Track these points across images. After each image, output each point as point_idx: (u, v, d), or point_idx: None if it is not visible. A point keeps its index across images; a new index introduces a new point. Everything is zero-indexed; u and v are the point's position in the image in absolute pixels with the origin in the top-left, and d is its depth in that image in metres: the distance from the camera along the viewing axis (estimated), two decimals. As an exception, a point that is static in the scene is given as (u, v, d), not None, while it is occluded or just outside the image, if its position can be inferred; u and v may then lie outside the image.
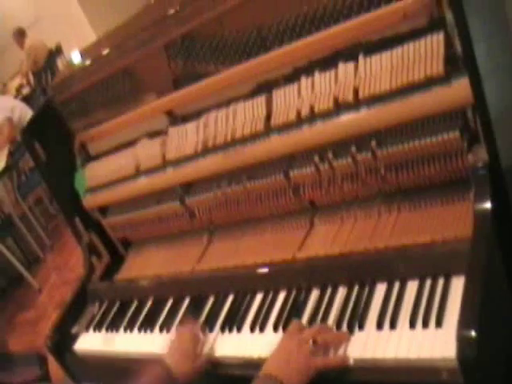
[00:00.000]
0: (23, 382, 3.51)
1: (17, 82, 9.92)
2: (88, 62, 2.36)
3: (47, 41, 8.97)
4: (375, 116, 1.66)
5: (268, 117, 1.86)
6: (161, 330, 2.06)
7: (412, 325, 1.48)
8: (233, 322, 1.87)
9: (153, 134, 2.20)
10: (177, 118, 2.13)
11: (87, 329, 2.34)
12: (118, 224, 2.45)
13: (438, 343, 1.40)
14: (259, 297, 1.90)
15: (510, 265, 1.56)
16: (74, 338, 2.34)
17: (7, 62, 10.63)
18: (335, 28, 1.70)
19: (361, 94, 1.67)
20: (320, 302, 1.73)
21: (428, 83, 1.56)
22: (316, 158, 1.80)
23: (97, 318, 2.34)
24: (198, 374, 1.77)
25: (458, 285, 1.48)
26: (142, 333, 2.12)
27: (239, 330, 1.84)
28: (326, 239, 1.87)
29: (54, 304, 5.12)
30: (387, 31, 1.64)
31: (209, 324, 1.93)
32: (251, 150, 1.90)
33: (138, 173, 2.23)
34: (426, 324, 1.46)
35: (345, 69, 1.71)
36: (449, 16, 1.50)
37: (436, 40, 1.55)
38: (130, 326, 2.18)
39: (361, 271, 1.71)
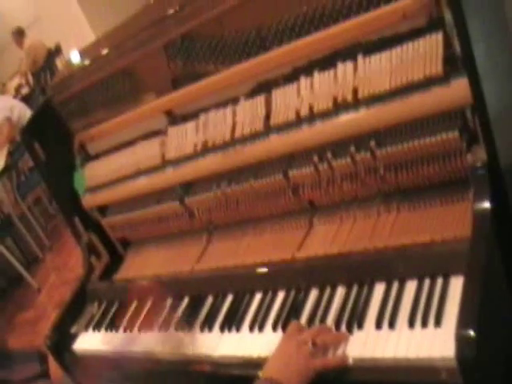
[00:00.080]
0: (23, 379, 3.51)
1: (16, 81, 9.92)
2: (87, 62, 2.36)
3: (46, 41, 8.97)
4: (374, 116, 1.66)
5: (267, 116, 1.86)
6: (160, 329, 2.06)
7: (411, 324, 1.48)
8: (232, 321, 1.87)
9: (152, 134, 2.20)
10: (176, 117, 2.13)
11: (86, 328, 2.34)
12: (118, 224, 2.45)
13: (437, 343, 1.40)
14: (258, 296, 1.90)
15: (509, 265, 1.56)
16: (73, 337, 2.34)
17: (6, 62, 10.63)
18: (334, 28, 1.70)
19: (360, 94, 1.67)
20: (319, 301, 1.73)
21: (427, 83, 1.56)
22: (315, 158, 1.80)
23: (96, 318, 2.34)
24: None
25: (456, 285, 1.48)
26: (141, 333, 2.11)
27: (238, 329, 1.84)
28: (325, 239, 1.87)
29: (53, 304, 5.13)
30: (386, 31, 1.64)
31: (208, 323, 1.93)
32: (251, 150, 1.91)
33: (137, 173, 2.23)
34: (424, 324, 1.46)
35: (344, 69, 1.71)
36: (448, 16, 1.50)
37: (435, 40, 1.55)
38: (129, 326, 2.17)
39: (360, 271, 1.71)
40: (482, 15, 1.70)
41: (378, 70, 1.65)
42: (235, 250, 2.10)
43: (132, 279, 2.37)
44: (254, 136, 1.89)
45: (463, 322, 1.31)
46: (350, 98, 1.69)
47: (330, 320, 1.66)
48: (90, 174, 2.42)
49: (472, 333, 1.28)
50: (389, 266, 1.65)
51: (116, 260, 2.54)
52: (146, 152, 2.20)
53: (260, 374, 1.53)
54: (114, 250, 2.56)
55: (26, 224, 6.07)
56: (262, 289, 1.90)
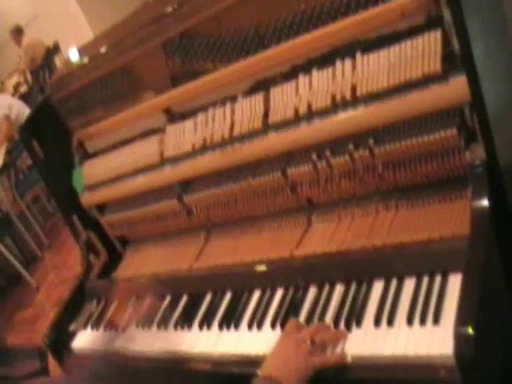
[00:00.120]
0: (23, 376, 3.52)
1: (14, 80, 9.90)
2: (86, 60, 2.36)
3: (45, 39, 8.96)
4: (373, 114, 1.66)
5: (266, 114, 1.86)
6: (158, 327, 2.06)
7: (409, 322, 1.49)
8: (230, 319, 1.88)
9: (151, 132, 2.20)
10: (175, 115, 2.13)
11: (85, 326, 2.34)
12: (116, 222, 2.45)
13: (436, 340, 1.41)
14: (257, 294, 1.90)
15: (508, 263, 1.56)
16: (72, 335, 2.34)
17: (5, 60, 10.62)
18: (333, 26, 1.70)
19: (358, 92, 1.67)
20: (317, 299, 1.73)
21: (425, 81, 1.56)
22: (314, 156, 1.80)
23: (94, 316, 2.35)
24: None
25: (455, 282, 1.48)
26: (140, 330, 2.12)
27: (237, 327, 1.84)
28: (324, 237, 1.87)
29: (51, 302, 5.13)
30: (385, 29, 1.64)
31: (206, 321, 1.93)
32: (249, 148, 1.91)
33: (135, 171, 2.23)
34: (423, 321, 1.46)
35: (342, 66, 1.71)
36: (446, 14, 1.50)
37: (433, 38, 1.55)
38: (127, 324, 2.18)
39: (358, 269, 1.71)
40: (480, 14, 1.70)
41: (376, 68, 1.65)
42: (234, 248, 2.10)
43: (131, 277, 2.36)
44: (253, 134, 1.89)
45: (461, 319, 1.31)
46: (348, 95, 1.69)
47: (329, 318, 1.66)
48: (89, 172, 2.42)
49: (470, 330, 1.28)
50: (387, 263, 1.65)
51: (115, 258, 2.54)
52: (144, 150, 2.19)
53: (258, 372, 1.53)
54: (113, 249, 2.56)
55: (24, 222, 6.07)
56: (261, 287, 1.90)
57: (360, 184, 1.80)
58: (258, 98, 1.88)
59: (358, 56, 1.68)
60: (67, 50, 2.81)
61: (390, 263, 1.64)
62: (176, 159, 2.10)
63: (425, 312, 1.48)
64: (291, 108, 1.80)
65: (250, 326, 1.81)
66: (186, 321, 2.00)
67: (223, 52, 1.93)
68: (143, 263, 2.41)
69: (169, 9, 1.98)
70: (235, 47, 1.90)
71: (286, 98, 1.82)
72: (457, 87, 1.52)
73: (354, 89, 1.68)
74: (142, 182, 2.23)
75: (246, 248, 2.06)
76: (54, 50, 8.87)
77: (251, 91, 1.92)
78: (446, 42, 1.54)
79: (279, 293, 1.85)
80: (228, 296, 1.97)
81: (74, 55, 2.51)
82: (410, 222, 1.72)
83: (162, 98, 2.12)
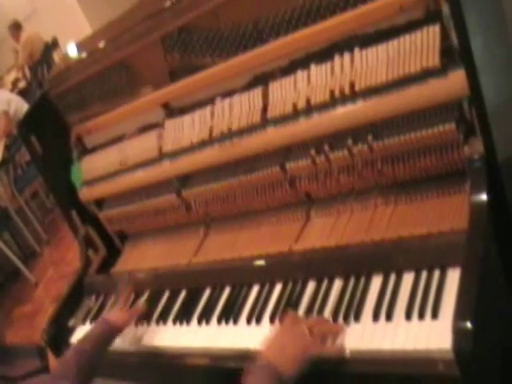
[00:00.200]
0: (24, 375, 3.52)
1: (13, 75, 9.88)
2: (84, 55, 2.35)
3: (43, 34, 8.93)
4: (371, 108, 1.66)
5: (264, 109, 1.86)
6: (157, 322, 2.06)
7: (408, 317, 1.49)
8: (229, 314, 1.88)
9: (149, 127, 2.20)
10: (173, 110, 2.13)
11: (84, 322, 2.34)
12: (115, 217, 2.45)
13: (434, 335, 1.41)
14: (256, 289, 1.90)
15: (506, 257, 1.56)
16: (71, 331, 2.34)
17: (4, 56, 10.59)
18: (331, 20, 1.70)
19: (357, 86, 1.67)
20: (316, 294, 1.73)
21: (424, 75, 1.56)
22: (312, 151, 1.80)
23: (93, 311, 2.35)
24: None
25: (453, 277, 1.49)
26: (139, 326, 2.12)
27: (236, 322, 1.85)
28: (323, 231, 1.87)
29: (50, 298, 5.12)
30: (383, 23, 1.64)
31: (205, 316, 1.93)
32: (248, 142, 1.90)
33: (134, 165, 2.23)
34: (421, 316, 1.46)
35: (341, 61, 1.71)
36: (445, 8, 1.50)
37: (432, 32, 1.55)
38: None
39: (357, 263, 1.71)
40: (479, 8, 1.70)
41: (375, 63, 1.65)
42: (232, 243, 2.10)
43: (129, 272, 2.36)
44: (251, 129, 1.89)
45: (460, 314, 1.31)
46: (347, 90, 1.69)
47: (328, 312, 1.66)
48: (87, 167, 2.42)
49: (469, 325, 1.28)
50: (386, 258, 1.65)
51: (113, 253, 2.54)
52: (143, 145, 2.19)
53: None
54: (112, 244, 2.56)
55: (23, 218, 6.06)
56: (260, 281, 1.91)
57: (359, 178, 1.80)
58: (257, 93, 1.88)
59: (357, 50, 1.68)
60: (66, 46, 2.80)
61: (388, 258, 1.64)
62: (175, 154, 2.09)
63: (423, 306, 1.48)
64: (290, 102, 1.79)
65: (248, 321, 1.81)
66: (184, 316, 2.00)
67: (222, 46, 1.93)
68: (142, 258, 2.41)
69: (167, 3, 1.98)
70: (234, 42, 1.89)
71: (284, 93, 1.82)
72: (455, 81, 1.52)
73: (352, 83, 1.68)
74: (140, 176, 2.23)
75: (245, 243, 2.06)
76: (53, 45, 8.84)
77: (250, 86, 1.92)
78: (444, 36, 1.54)
79: (278, 287, 1.85)
80: (227, 291, 1.98)
81: (72, 50, 2.51)
82: (408, 217, 1.72)
83: (161, 93, 2.12)
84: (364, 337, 1.53)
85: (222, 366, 1.81)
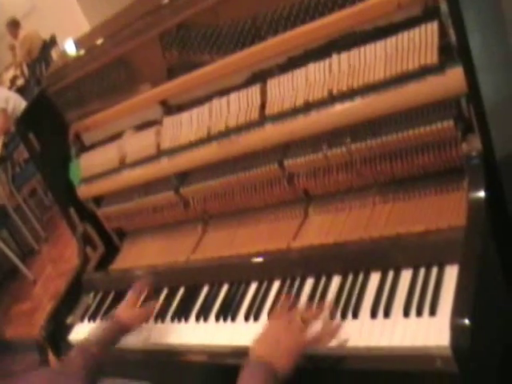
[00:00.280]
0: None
1: (11, 73, 9.88)
2: (82, 52, 2.35)
3: (42, 31, 8.93)
4: (369, 105, 1.66)
5: (262, 106, 1.86)
6: (156, 319, 2.06)
7: (406, 313, 1.49)
8: (227, 311, 1.88)
9: (147, 124, 2.20)
10: (171, 107, 2.13)
11: (82, 319, 2.34)
12: (113, 214, 2.45)
13: (432, 332, 1.41)
14: (254, 286, 1.90)
15: (505, 255, 1.57)
16: (69, 328, 2.34)
17: (2, 53, 10.58)
18: (329, 17, 1.70)
19: (355, 84, 1.67)
20: (314, 291, 1.73)
21: (422, 72, 1.56)
22: (310, 148, 1.80)
23: (92, 309, 2.35)
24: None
25: (451, 274, 1.49)
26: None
27: (233, 319, 1.85)
28: (321, 229, 1.87)
29: (48, 296, 5.12)
30: (381, 20, 1.64)
31: (203, 313, 1.93)
32: (246, 140, 1.90)
33: (132, 163, 2.23)
34: (419, 313, 1.47)
35: (339, 58, 1.71)
36: (443, 5, 1.50)
37: (430, 29, 1.55)
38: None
39: (355, 260, 1.71)
40: (477, 5, 1.70)
41: (373, 60, 1.65)
42: (230, 240, 2.10)
43: (128, 269, 2.36)
44: (250, 126, 1.89)
45: (458, 310, 1.32)
46: (345, 87, 1.69)
47: (326, 309, 1.66)
48: (86, 164, 2.41)
49: (467, 322, 1.28)
50: (384, 255, 1.65)
51: (111, 251, 2.54)
52: (141, 142, 2.19)
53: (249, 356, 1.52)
54: (110, 241, 2.56)
55: (21, 216, 6.05)
56: (258, 278, 1.91)
57: (357, 176, 1.80)
58: (255, 90, 1.88)
59: (355, 48, 1.68)
60: (64, 43, 2.80)
61: (386, 255, 1.65)
62: (173, 151, 2.09)
63: (421, 303, 1.48)
64: (288, 100, 1.80)
65: (246, 318, 1.81)
66: (182, 313, 2.00)
67: (220, 44, 1.92)
68: (140, 255, 2.41)
69: (165, 0, 1.98)
70: (232, 39, 1.89)
71: (282, 90, 1.82)
72: (453, 78, 1.52)
73: (350, 80, 1.68)
74: (138, 173, 2.23)
75: (243, 240, 2.06)
76: (51, 42, 8.84)
77: (248, 83, 1.92)
78: (442, 33, 1.54)
79: (276, 285, 1.85)
80: (225, 288, 1.98)
81: (70, 47, 2.50)
82: (406, 214, 1.72)
83: (159, 90, 2.11)
84: (362, 334, 1.53)
85: (220, 362, 1.81)
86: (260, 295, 1.85)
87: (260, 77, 1.89)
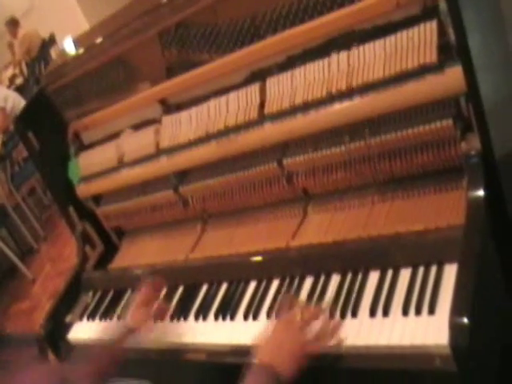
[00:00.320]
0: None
1: (10, 72, 9.86)
2: (81, 51, 2.35)
3: (41, 30, 8.92)
4: (368, 104, 1.66)
5: (262, 105, 1.86)
6: (154, 318, 2.06)
7: (405, 312, 1.49)
8: (226, 310, 1.88)
9: (146, 123, 2.20)
10: (170, 106, 2.13)
11: (81, 318, 2.34)
12: (112, 213, 2.45)
13: (431, 330, 1.41)
14: (253, 285, 1.90)
15: (503, 254, 1.57)
16: (68, 327, 2.34)
17: (1, 52, 10.57)
18: (329, 16, 1.70)
19: (354, 83, 1.67)
20: (313, 289, 1.73)
21: (421, 71, 1.56)
22: (309, 147, 1.80)
23: (91, 308, 2.35)
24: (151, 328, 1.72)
25: (450, 272, 1.49)
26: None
27: (233, 318, 1.85)
28: (320, 228, 1.87)
29: (47, 294, 5.11)
30: (380, 19, 1.64)
31: (203, 312, 1.93)
32: (245, 138, 1.90)
33: (131, 162, 2.23)
34: (418, 311, 1.47)
35: (338, 57, 1.71)
36: (442, 4, 1.50)
37: (429, 28, 1.55)
38: (123, 315, 2.17)
39: (354, 259, 1.71)
40: (476, 4, 1.70)
41: (372, 59, 1.65)
42: (230, 239, 2.10)
43: (127, 268, 2.36)
44: (249, 125, 1.89)
45: (457, 309, 1.32)
46: (344, 86, 1.69)
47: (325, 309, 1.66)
48: (85, 163, 2.41)
49: (465, 320, 1.28)
50: (383, 254, 1.65)
51: (110, 250, 2.54)
52: (140, 141, 2.19)
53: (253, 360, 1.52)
54: (109, 240, 2.56)
55: (20, 215, 6.05)
56: (257, 277, 1.91)
57: (356, 175, 1.80)
58: (254, 89, 1.88)
59: (354, 46, 1.68)
60: (63, 42, 2.80)
61: (385, 254, 1.65)
62: (172, 150, 2.09)
63: (420, 302, 1.48)
64: (287, 99, 1.80)
65: (245, 317, 1.81)
66: (182, 312, 2.00)
67: (219, 42, 1.92)
68: (139, 254, 2.41)
69: (164, -1, 1.98)
70: (231, 38, 1.89)
71: (281, 89, 1.82)
72: (453, 78, 1.52)
73: (349, 79, 1.68)
74: (137, 172, 2.23)
75: (242, 239, 2.06)
76: (50, 41, 8.83)
77: (247, 82, 1.92)
78: (441, 32, 1.54)
79: (275, 283, 1.85)
80: (224, 287, 1.98)
81: (69, 46, 2.50)
82: (405, 213, 1.72)
83: (158, 89, 2.11)
84: (361, 332, 1.53)
85: (219, 361, 1.81)
86: (259, 294, 1.85)
87: (259, 76, 1.89)
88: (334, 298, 1.66)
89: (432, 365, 1.37)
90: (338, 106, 1.71)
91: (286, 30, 1.78)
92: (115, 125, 2.30)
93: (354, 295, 1.63)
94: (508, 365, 1.52)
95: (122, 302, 2.25)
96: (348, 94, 1.69)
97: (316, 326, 1.56)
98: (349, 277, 1.70)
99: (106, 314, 2.25)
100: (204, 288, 2.03)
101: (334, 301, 1.65)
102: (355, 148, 1.73)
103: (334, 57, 1.72)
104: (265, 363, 1.46)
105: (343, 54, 1.70)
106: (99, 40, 2.24)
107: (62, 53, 2.72)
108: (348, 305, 1.61)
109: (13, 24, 9.11)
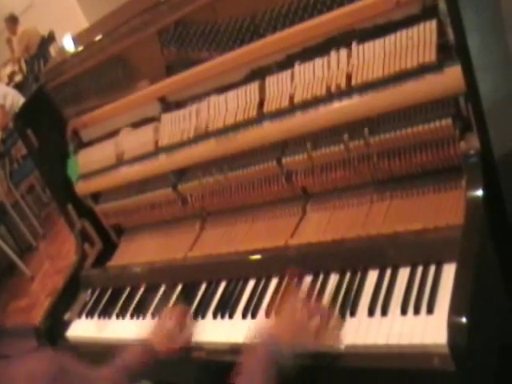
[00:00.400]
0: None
1: (9, 69, 9.86)
2: (80, 49, 2.35)
3: (40, 27, 8.91)
4: (368, 103, 1.66)
5: (261, 103, 1.86)
6: (153, 316, 2.06)
7: (403, 311, 1.49)
8: (225, 308, 1.88)
9: (146, 121, 2.20)
10: (170, 104, 2.13)
11: (79, 315, 2.34)
12: (111, 211, 2.45)
13: (430, 330, 1.41)
14: (251, 283, 1.90)
15: (502, 253, 1.57)
16: (67, 324, 2.34)
17: (0, 49, 10.56)
18: (328, 15, 1.70)
19: (353, 81, 1.67)
20: (312, 288, 1.73)
21: (420, 71, 1.56)
22: (309, 145, 1.80)
23: (89, 305, 2.34)
24: (177, 353, 1.82)
25: (449, 272, 1.49)
26: (135, 319, 2.12)
27: (231, 316, 1.85)
28: (319, 226, 1.87)
29: (46, 292, 5.11)
30: (380, 19, 1.64)
31: (201, 310, 1.93)
32: (244, 137, 1.90)
33: (130, 159, 2.23)
34: (417, 311, 1.47)
35: (338, 56, 1.71)
36: (442, 4, 1.50)
37: (429, 28, 1.55)
38: (122, 313, 2.18)
39: (353, 258, 1.71)
40: (476, 4, 1.70)
41: (371, 58, 1.65)
42: (228, 237, 2.10)
43: (125, 266, 2.36)
44: (248, 123, 1.89)
45: (455, 308, 1.32)
46: (343, 85, 1.69)
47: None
48: (84, 160, 2.41)
49: (464, 320, 1.28)
50: (382, 253, 1.65)
51: (109, 247, 2.54)
52: (139, 139, 2.19)
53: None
54: (108, 238, 2.56)
55: (19, 212, 6.04)
56: (256, 276, 1.90)
57: (355, 173, 1.80)
58: (254, 87, 1.88)
59: (354, 45, 1.68)
60: (62, 39, 2.80)
61: (384, 253, 1.65)
62: (171, 148, 2.09)
63: (419, 301, 1.48)
64: (286, 97, 1.79)
65: (244, 315, 1.81)
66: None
67: (219, 41, 1.92)
68: (138, 252, 2.41)
69: (164, -3, 1.98)
70: (231, 36, 1.89)
71: (281, 87, 1.82)
72: (452, 77, 1.52)
73: (349, 78, 1.68)
74: (136, 170, 2.23)
75: (241, 237, 2.06)
76: (49, 39, 8.82)
77: (247, 80, 1.92)
78: (441, 32, 1.54)
79: (274, 282, 1.85)
80: (223, 285, 1.97)
81: (68, 43, 2.50)
82: (404, 212, 1.72)
83: (157, 87, 2.11)
84: (359, 331, 1.53)
85: (218, 359, 1.81)
86: (258, 292, 1.85)
87: (259, 74, 1.89)
88: (332, 296, 1.66)
89: (430, 364, 1.37)
90: (337, 105, 1.71)
91: (286, 28, 1.78)
92: (114, 122, 2.30)
93: (352, 294, 1.63)
94: (506, 364, 1.52)
95: (121, 300, 2.25)
96: (347, 92, 1.69)
97: (316, 321, 1.57)
98: (347, 276, 1.70)
99: (105, 312, 2.25)
100: (203, 286, 2.03)
101: (333, 299, 1.65)
102: (354, 147, 1.73)
103: (333, 56, 1.72)
104: (270, 333, 1.51)
105: (343, 53, 1.70)
106: (98, 38, 2.24)
107: (61, 50, 2.73)
108: (346, 304, 1.61)
109: (12, 21, 9.10)
